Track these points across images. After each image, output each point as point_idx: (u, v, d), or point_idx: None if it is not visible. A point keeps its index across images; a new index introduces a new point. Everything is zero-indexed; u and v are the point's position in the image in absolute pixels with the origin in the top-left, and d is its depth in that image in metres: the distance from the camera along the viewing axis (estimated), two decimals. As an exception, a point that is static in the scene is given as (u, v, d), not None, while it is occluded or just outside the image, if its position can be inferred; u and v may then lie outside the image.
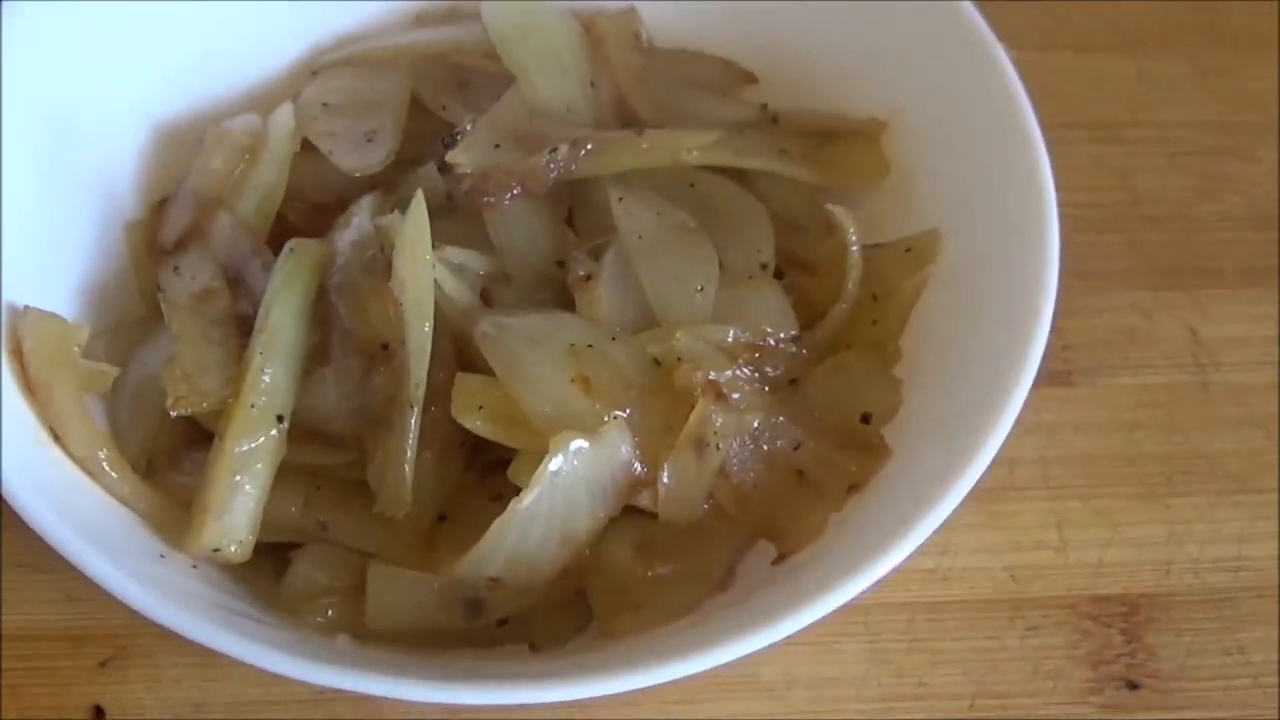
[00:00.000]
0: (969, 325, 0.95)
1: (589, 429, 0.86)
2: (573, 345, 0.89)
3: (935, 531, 0.85)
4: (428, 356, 0.89)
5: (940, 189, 1.01)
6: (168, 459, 0.94)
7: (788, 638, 0.83)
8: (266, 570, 0.92)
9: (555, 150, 0.97)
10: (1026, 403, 1.05)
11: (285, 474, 0.90)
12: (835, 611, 0.82)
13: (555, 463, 0.85)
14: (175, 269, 0.97)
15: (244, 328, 0.93)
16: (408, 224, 0.90)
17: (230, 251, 0.98)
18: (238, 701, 0.95)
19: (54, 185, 0.99)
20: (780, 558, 0.90)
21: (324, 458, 0.92)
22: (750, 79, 1.10)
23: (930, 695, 0.98)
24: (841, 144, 1.04)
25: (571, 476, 0.85)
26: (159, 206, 1.02)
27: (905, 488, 0.89)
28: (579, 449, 0.85)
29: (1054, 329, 1.07)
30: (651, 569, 0.90)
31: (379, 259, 0.93)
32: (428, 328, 0.89)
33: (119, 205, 1.03)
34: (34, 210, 0.97)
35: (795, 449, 0.91)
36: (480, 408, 0.88)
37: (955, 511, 0.99)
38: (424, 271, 0.90)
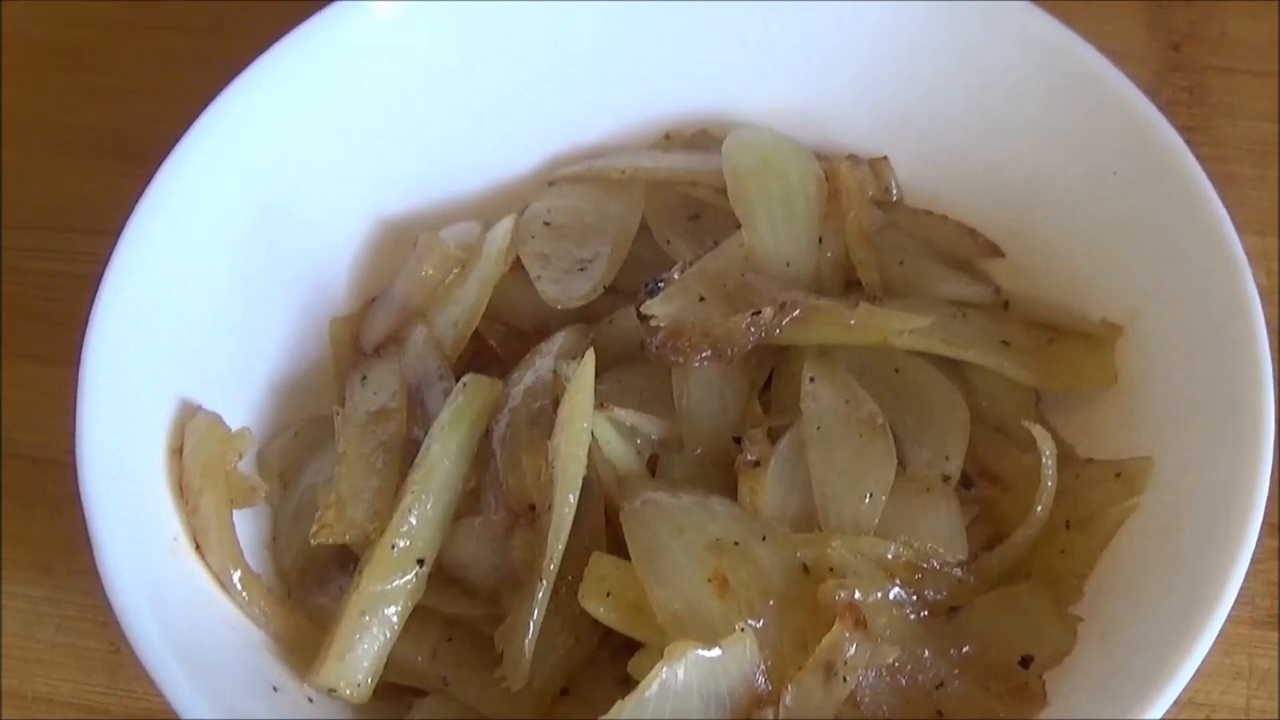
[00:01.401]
0: (1162, 567, 0.86)
1: (717, 635, 0.81)
2: (718, 540, 0.85)
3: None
4: (567, 531, 0.86)
5: (1161, 407, 0.92)
6: (318, 576, 0.93)
7: None
8: (388, 707, 0.90)
9: (759, 314, 0.92)
10: (1242, 643, 0.96)
11: (420, 617, 0.89)
12: None
13: (668, 671, 0.80)
14: (363, 379, 0.97)
15: (411, 454, 0.92)
16: (573, 388, 0.87)
17: (418, 369, 0.97)
18: None
19: (263, 272, 0.99)
20: (909, 796, 0.84)
21: (461, 607, 0.90)
22: (995, 251, 1.03)
23: None
24: (1070, 344, 0.96)
25: (685, 685, 0.81)
26: (368, 305, 1.02)
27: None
28: (698, 660, 0.81)
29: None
30: (768, 787, 0.85)
31: (546, 411, 0.90)
32: (573, 500, 0.86)
33: (329, 299, 1.03)
34: (238, 297, 0.98)
35: (938, 687, 0.84)
36: (608, 594, 0.85)
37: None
38: (578, 440, 0.87)
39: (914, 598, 0.86)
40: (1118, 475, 0.91)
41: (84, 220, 1.16)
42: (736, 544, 0.85)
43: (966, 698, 0.85)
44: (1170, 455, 0.90)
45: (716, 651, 0.81)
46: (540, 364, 0.94)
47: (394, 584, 0.87)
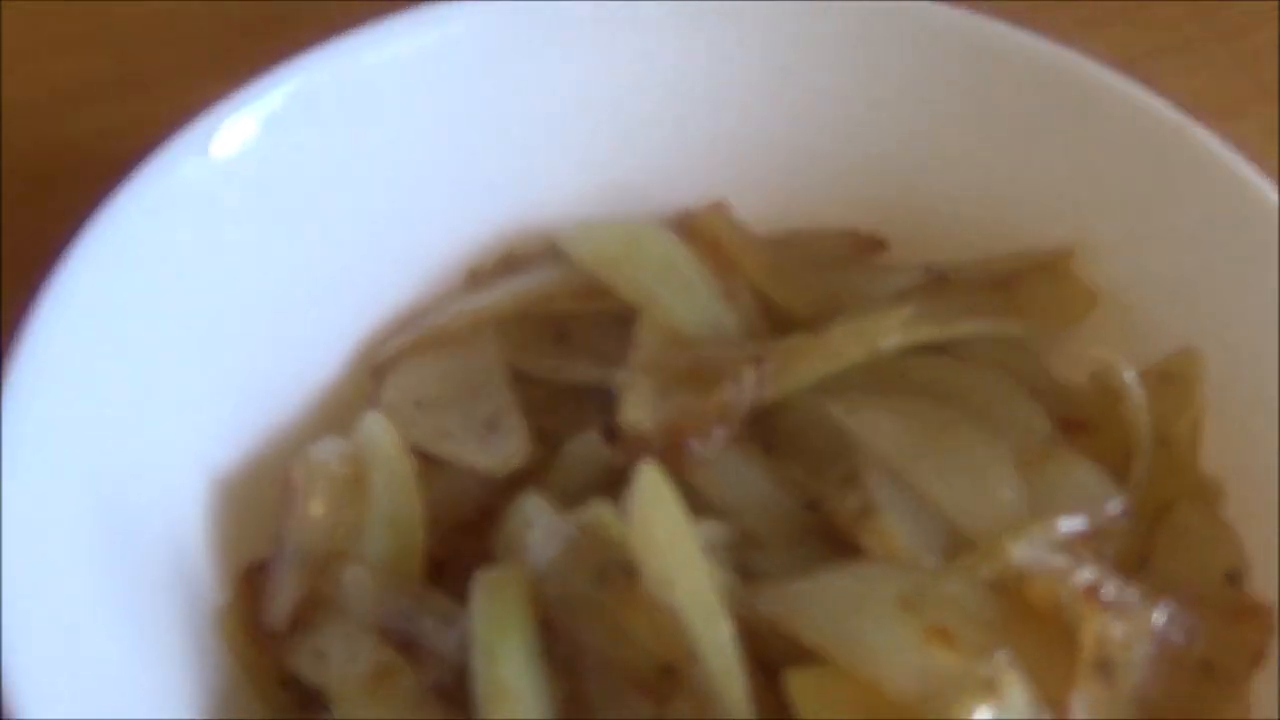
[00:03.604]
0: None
1: (971, 691, 0.67)
2: (905, 595, 0.70)
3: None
4: (739, 663, 0.68)
5: (1168, 310, 0.86)
6: None
7: None
8: None
9: (741, 378, 0.78)
10: None
11: None
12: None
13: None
14: (318, 654, 0.74)
15: (449, 701, 0.71)
16: (646, 509, 0.70)
17: (382, 613, 0.75)
18: None
19: (113, 590, 0.73)
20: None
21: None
22: (879, 245, 0.93)
23: None
24: (1028, 285, 0.88)
25: (983, 753, 0.66)
26: (248, 578, 0.79)
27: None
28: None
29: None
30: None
31: (613, 567, 0.71)
32: (726, 628, 0.68)
33: (197, 591, 0.79)
34: (107, 638, 0.72)
35: (1192, 639, 0.73)
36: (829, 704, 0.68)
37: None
38: (692, 559, 0.70)
39: (1101, 570, 0.74)
40: (1163, 377, 0.83)
41: None
42: (923, 593, 0.70)
43: (1221, 638, 0.74)
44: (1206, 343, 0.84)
45: (996, 707, 0.66)
46: (543, 527, 0.75)
47: None
